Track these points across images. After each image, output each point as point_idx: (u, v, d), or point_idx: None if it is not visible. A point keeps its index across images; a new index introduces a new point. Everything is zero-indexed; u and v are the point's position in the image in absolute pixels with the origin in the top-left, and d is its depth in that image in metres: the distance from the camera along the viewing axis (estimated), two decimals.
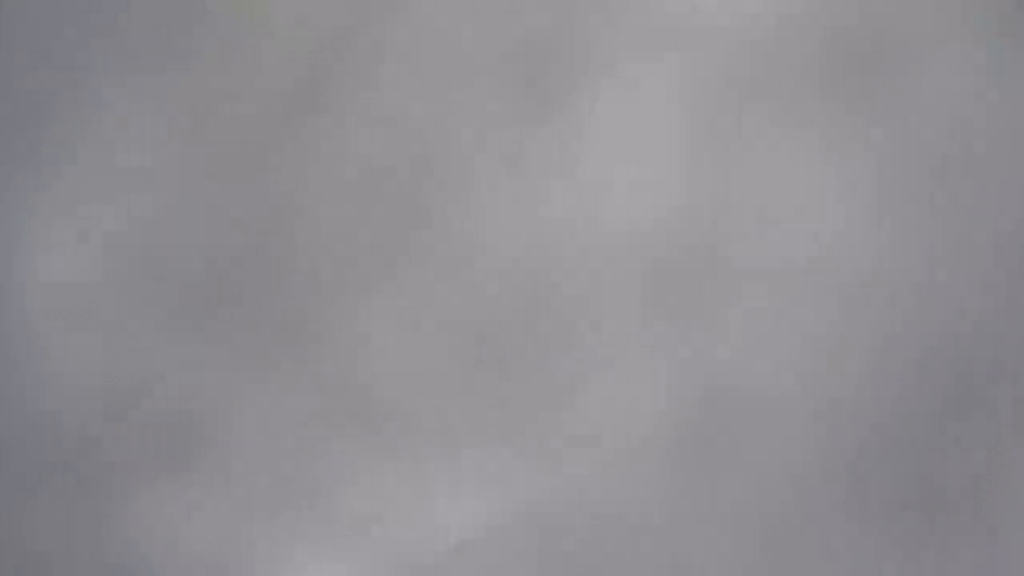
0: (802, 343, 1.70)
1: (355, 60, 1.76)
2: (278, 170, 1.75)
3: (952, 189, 1.72)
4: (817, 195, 1.72)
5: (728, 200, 1.72)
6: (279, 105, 1.76)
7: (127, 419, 1.73)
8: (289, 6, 1.76)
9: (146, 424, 1.73)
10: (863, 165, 1.72)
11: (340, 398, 1.72)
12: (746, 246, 1.71)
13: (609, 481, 1.70)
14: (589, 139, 1.74)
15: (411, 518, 1.70)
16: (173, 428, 1.72)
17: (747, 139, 1.73)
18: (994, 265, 1.70)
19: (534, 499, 1.70)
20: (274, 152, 1.76)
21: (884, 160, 1.72)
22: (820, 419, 1.69)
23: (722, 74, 1.74)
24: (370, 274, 1.74)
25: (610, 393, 1.70)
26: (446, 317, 1.73)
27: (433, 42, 1.76)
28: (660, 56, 1.74)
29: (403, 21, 1.76)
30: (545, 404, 1.71)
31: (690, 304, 1.71)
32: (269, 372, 1.73)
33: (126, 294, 1.74)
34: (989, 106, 1.72)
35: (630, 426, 1.70)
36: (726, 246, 1.72)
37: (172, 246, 1.75)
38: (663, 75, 1.74)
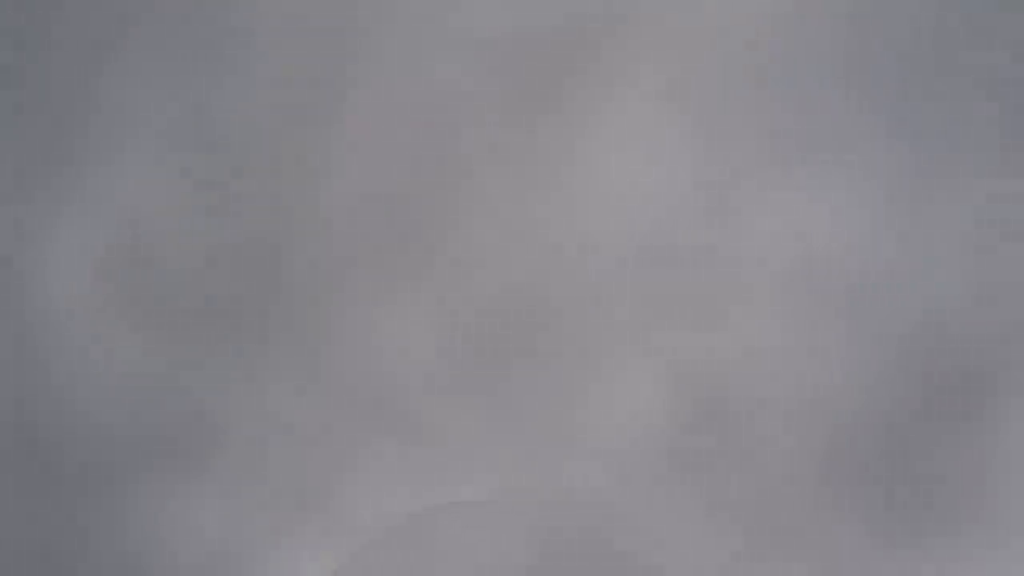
0: (801, 345, 1.71)
1: (356, 63, 1.76)
2: (283, 174, 1.76)
3: (954, 191, 1.72)
4: (817, 196, 1.72)
5: (728, 201, 1.73)
6: (282, 109, 1.76)
7: (131, 420, 1.73)
8: (289, 9, 1.77)
9: (150, 425, 1.73)
10: (864, 167, 1.73)
11: (343, 400, 1.73)
12: (746, 247, 1.72)
13: (608, 481, 1.70)
14: (591, 141, 1.74)
15: (414, 518, 1.71)
16: (179, 429, 1.73)
17: (747, 140, 1.73)
18: (996, 267, 1.71)
19: (535, 498, 1.70)
20: (279, 156, 1.76)
21: (883, 161, 1.73)
22: (818, 419, 1.70)
23: (723, 75, 1.74)
24: (373, 277, 1.74)
25: (611, 393, 1.71)
26: (449, 318, 1.73)
27: (434, 45, 1.76)
28: (661, 56, 1.75)
29: (404, 25, 1.77)
30: (547, 405, 1.71)
31: (689, 303, 1.72)
32: (274, 374, 1.73)
33: (130, 295, 1.75)
34: (991, 108, 1.72)
35: (630, 426, 1.70)
36: (726, 247, 1.72)
37: (177, 248, 1.75)
38: (664, 75, 1.74)
